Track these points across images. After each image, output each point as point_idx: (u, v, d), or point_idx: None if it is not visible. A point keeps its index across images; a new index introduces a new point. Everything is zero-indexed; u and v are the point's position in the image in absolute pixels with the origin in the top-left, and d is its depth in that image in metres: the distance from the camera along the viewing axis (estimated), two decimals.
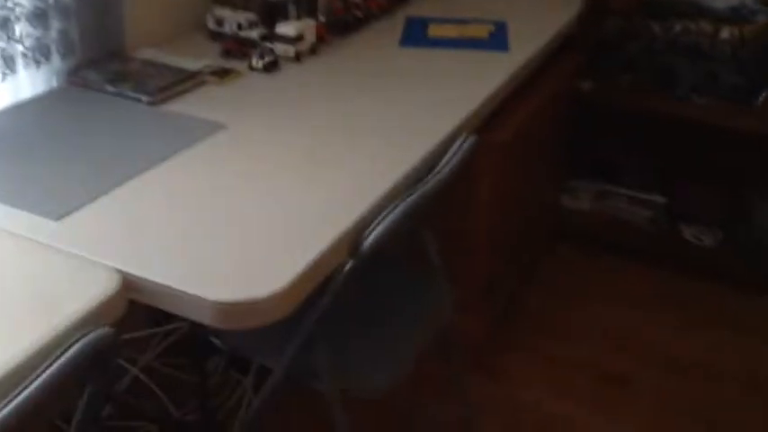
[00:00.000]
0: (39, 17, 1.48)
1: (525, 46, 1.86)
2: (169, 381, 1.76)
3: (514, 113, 1.80)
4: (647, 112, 2.33)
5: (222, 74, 1.63)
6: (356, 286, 1.16)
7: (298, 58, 1.73)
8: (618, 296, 2.34)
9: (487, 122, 1.63)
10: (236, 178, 1.24)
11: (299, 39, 1.72)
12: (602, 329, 2.20)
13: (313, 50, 1.77)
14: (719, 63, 2.23)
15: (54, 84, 1.56)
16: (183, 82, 1.56)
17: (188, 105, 1.50)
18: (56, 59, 1.54)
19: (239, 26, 1.77)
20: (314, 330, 1.21)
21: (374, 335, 1.40)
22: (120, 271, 1.00)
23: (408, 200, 1.17)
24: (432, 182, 1.23)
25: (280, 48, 1.72)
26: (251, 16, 1.78)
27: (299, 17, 1.80)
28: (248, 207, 1.16)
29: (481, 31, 1.96)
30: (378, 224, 1.14)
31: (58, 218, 1.12)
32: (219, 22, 1.80)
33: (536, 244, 2.40)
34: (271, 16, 1.80)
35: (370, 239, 1.13)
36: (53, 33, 1.52)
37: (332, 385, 1.26)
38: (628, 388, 2.01)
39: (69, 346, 0.87)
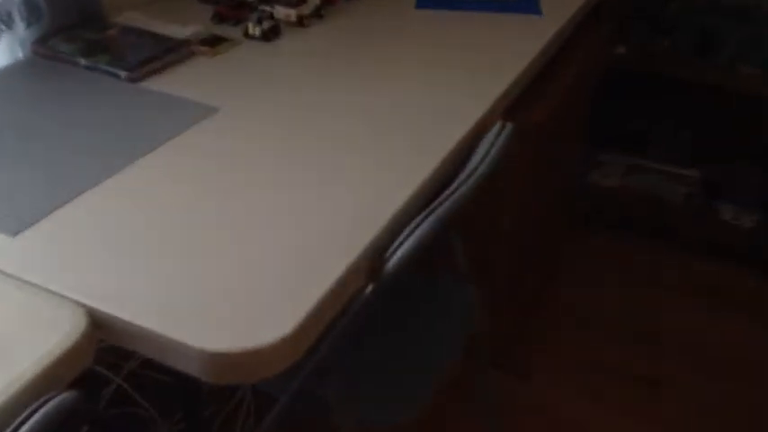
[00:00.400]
0: None
1: (560, 7, 1.64)
2: (156, 387, 1.58)
3: (547, 89, 1.58)
4: (684, 79, 2.12)
5: (214, 43, 1.42)
6: (376, 308, 0.97)
7: (301, 22, 1.52)
8: (648, 283, 2.19)
9: (518, 100, 1.42)
10: (230, 182, 1.03)
11: (301, 0, 1.50)
12: (631, 321, 2.06)
13: (318, 14, 1.56)
14: (766, 27, 2.02)
15: (19, 55, 1.34)
16: (169, 53, 1.35)
17: (174, 83, 1.28)
18: (19, 27, 1.32)
19: None
20: (326, 360, 1.02)
21: (392, 359, 1.22)
22: (88, 307, 0.81)
23: (441, 208, 0.97)
24: (467, 185, 1.02)
25: (280, 11, 1.51)
26: None
27: None
28: (245, 222, 0.95)
29: None
30: (405, 238, 0.94)
31: (15, 233, 0.92)
32: None
33: (563, 228, 2.21)
34: None
35: (396, 258, 0.93)
36: None
37: (344, 420, 1.08)
38: (658, 387, 1.88)
39: (23, 422, 0.68)
